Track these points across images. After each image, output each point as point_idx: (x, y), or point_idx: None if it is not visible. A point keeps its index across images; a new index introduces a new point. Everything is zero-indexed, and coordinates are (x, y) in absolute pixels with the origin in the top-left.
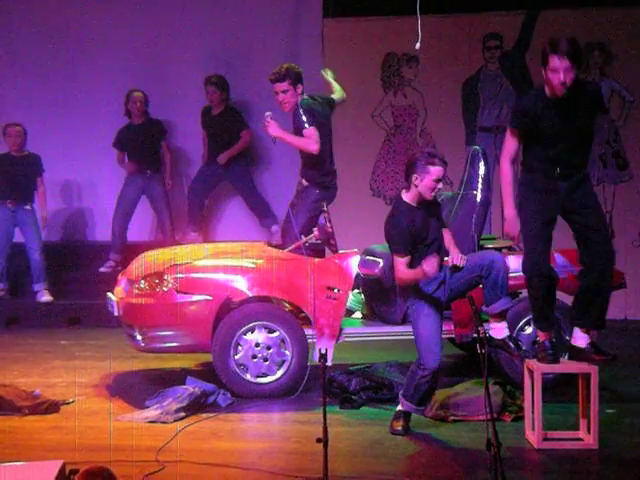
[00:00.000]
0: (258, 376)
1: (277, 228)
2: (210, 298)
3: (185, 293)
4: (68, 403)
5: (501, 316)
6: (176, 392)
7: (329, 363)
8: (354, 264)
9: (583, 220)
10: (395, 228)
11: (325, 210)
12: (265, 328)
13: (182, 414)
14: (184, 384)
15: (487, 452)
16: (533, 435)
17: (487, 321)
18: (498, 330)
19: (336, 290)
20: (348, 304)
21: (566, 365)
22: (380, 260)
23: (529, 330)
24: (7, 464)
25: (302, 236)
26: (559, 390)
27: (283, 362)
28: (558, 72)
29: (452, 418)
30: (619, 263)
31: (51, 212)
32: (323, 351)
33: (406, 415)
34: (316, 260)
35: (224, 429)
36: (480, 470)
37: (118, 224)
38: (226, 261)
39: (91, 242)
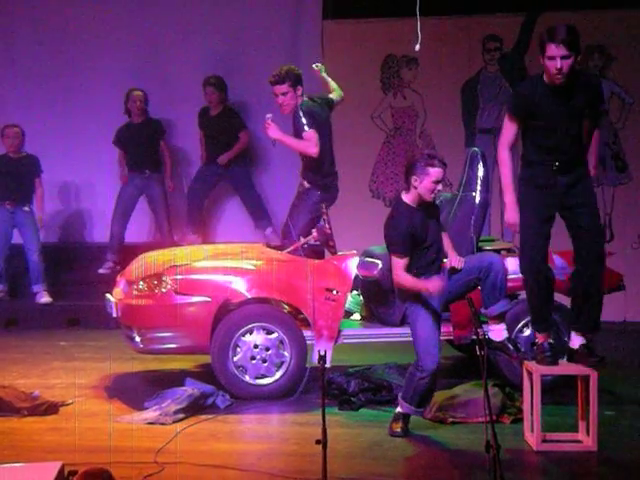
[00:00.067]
0: (257, 377)
1: (271, 230)
2: (209, 299)
3: (184, 294)
4: (67, 404)
5: (500, 318)
6: (175, 393)
7: (328, 365)
8: (353, 266)
9: (576, 219)
10: (395, 229)
11: (324, 211)
12: (263, 329)
13: (181, 415)
14: (183, 385)
15: (486, 454)
16: (532, 437)
17: (486, 323)
18: (497, 332)
19: (335, 292)
20: (347, 306)
21: (565, 367)
22: (379, 262)
23: (528, 332)
24: (6, 465)
25: (301, 237)
26: (558, 392)
27: (282, 363)
28: (555, 60)
29: (451, 420)
30: (618, 265)
31: (50, 213)
32: (322, 353)
33: (405, 417)
34: (315, 262)
35: (223, 430)
36: (479, 472)
37: (117, 224)
38: (225, 262)
39: (90, 243)
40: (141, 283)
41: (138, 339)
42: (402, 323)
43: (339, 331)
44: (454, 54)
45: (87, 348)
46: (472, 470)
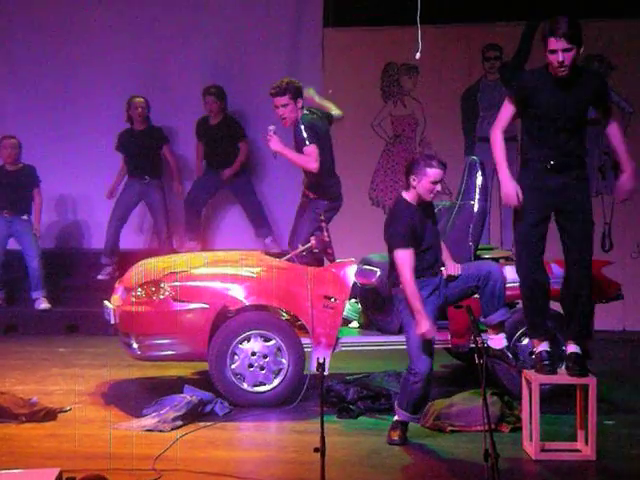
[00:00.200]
0: (255, 385)
1: (271, 239)
2: (207, 306)
3: (182, 301)
4: (65, 411)
5: (499, 327)
6: (173, 400)
7: (326, 372)
8: (351, 273)
9: (568, 225)
10: (397, 223)
11: (322, 219)
12: (261, 337)
13: (179, 423)
14: (181, 392)
15: (485, 463)
16: (531, 446)
17: (485, 331)
18: (496, 341)
19: (333, 299)
20: (345, 313)
21: (564, 376)
22: (377, 269)
23: (526, 341)
24: (4, 472)
25: (299, 245)
26: (557, 401)
27: (280, 371)
28: (556, 53)
29: (450, 428)
30: (617, 274)
31: (49, 220)
32: (321, 360)
33: (403, 425)
34: (313, 269)
35: (221, 438)
36: None
37: (112, 228)
38: (223, 270)
39: (88, 250)
40: (139, 290)
41: (136, 346)
42: (400, 331)
43: (337, 339)
44: (454, 62)
45: (85, 355)
46: (470, 479)
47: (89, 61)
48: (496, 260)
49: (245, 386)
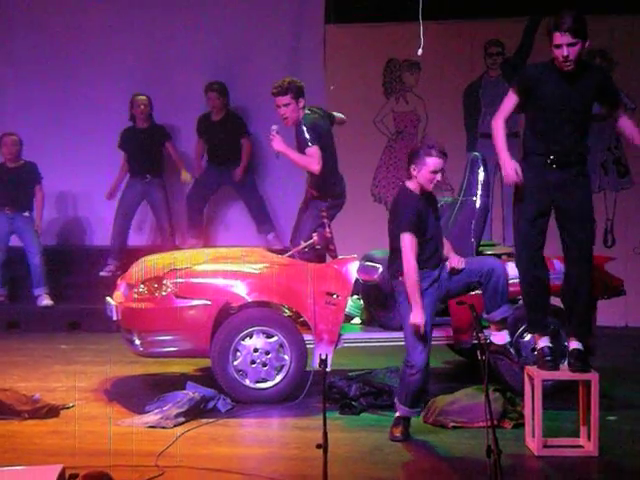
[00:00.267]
0: (257, 381)
1: (273, 235)
2: (209, 303)
3: (184, 298)
4: (68, 407)
5: (502, 323)
6: (176, 397)
7: (328, 369)
8: (353, 270)
9: (569, 223)
10: (402, 209)
11: (324, 215)
12: (264, 333)
13: (182, 419)
14: (184, 389)
15: (487, 459)
16: (533, 442)
17: (487, 328)
18: (499, 337)
19: (335, 296)
20: (347, 310)
21: (566, 372)
22: (379, 266)
23: (529, 337)
24: (7, 468)
25: (302, 242)
26: (559, 397)
27: (282, 367)
28: (561, 48)
29: (452, 425)
30: (619, 270)
31: (50, 216)
32: (323, 356)
33: (405, 421)
34: (315, 265)
35: (224, 434)
36: (480, 477)
37: (118, 228)
38: (225, 266)
39: (90, 246)
40: (141, 286)
41: (138, 342)
42: (402, 327)
43: (339, 335)
44: (456, 59)
45: (88, 351)
46: (473, 475)
47: (90, 59)
48: (498, 256)
49: (247, 382)
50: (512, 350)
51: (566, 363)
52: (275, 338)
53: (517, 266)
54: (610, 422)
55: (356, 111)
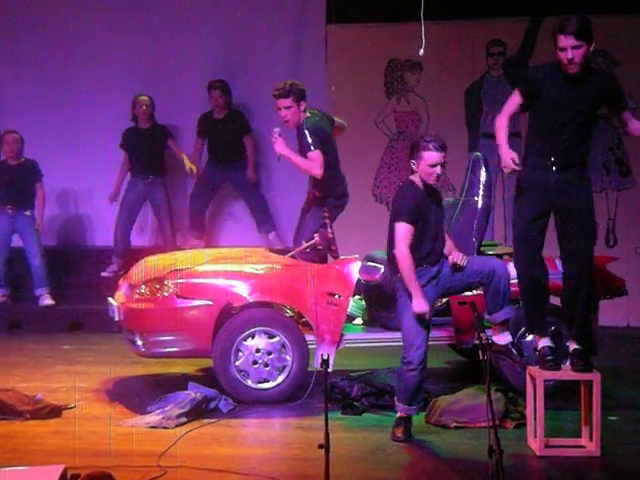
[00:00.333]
0: (259, 382)
1: (274, 235)
2: (210, 303)
3: (185, 298)
4: (70, 408)
5: (504, 325)
6: (178, 397)
7: (330, 369)
8: (355, 270)
9: (569, 226)
10: (402, 200)
11: (326, 216)
12: (265, 334)
13: (183, 419)
14: (186, 389)
15: (489, 459)
16: (535, 442)
17: (489, 328)
18: (500, 337)
19: (337, 296)
20: (349, 310)
21: (568, 372)
22: (381, 266)
23: (531, 337)
24: (9, 469)
25: (303, 242)
26: (561, 397)
27: (284, 367)
28: (566, 50)
29: (454, 425)
30: (621, 270)
31: (51, 217)
32: (325, 357)
33: (407, 421)
34: (317, 266)
35: (225, 435)
36: (482, 477)
37: (120, 228)
38: (227, 266)
39: (91, 247)
40: (143, 287)
41: (140, 343)
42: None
43: (341, 335)
44: (458, 58)
45: (89, 352)
46: (475, 475)
47: (91, 58)
48: (500, 256)
49: (249, 383)
50: (514, 350)
51: (568, 363)
52: (277, 338)
53: (515, 266)
54: (612, 422)
55: (357, 111)
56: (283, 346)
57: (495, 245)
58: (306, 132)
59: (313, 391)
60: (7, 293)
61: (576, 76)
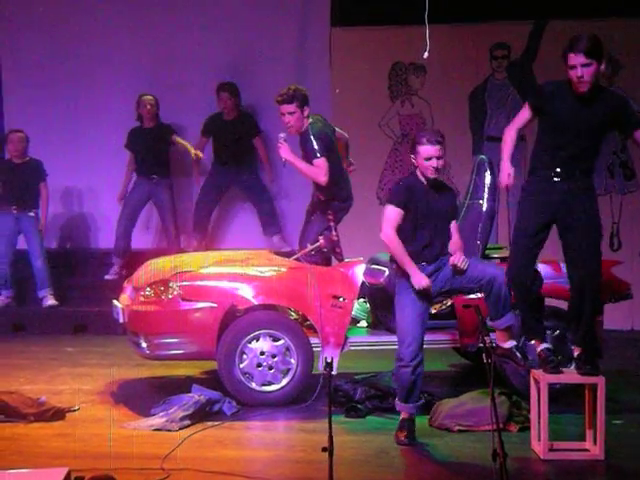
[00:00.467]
0: (263, 384)
1: (279, 238)
2: (215, 305)
3: (190, 300)
4: (74, 410)
5: (507, 331)
6: (182, 400)
7: (334, 372)
8: (360, 273)
9: (569, 238)
10: (397, 185)
11: (330, 218)
12: (270, 336)
13: (187, 422)
14: (190, 392)
15: (493, 463)
16: (539, 445)
17: (493, 331)
18: (504, 340)
19: (342, 299)
20: (353, 313)
21: (572, 375)
22: (385, 269)
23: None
24: (13, 471)
25: (308, 244)
26: (565, 400)
27: (288, 370)
28: (576, 68)
29: (458, 428)
30: (625, 273)
31: (55, 218)
32: (329, 360)
33: (410, 424)
34: (321, 269)
35: (229, 437)
36: None
37: (122, 228)
38: (231, 269)
39: (95, 249)
40: (147, 289)
41: (145, 345)
42: None
43: (346, 338)
44: (462, 61)
45: (94, 354)
46: (479, 479)
47: (94, 58)
48: (504, 259)
49: (253, 385)
50: (518, 353)
51: (573, 367)
52: (281, 341)
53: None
54: (616, 426)
55: (361, 114)
56: (287, 349)
57: (500, 248)
58: (312, 138)
59: (317, 394)
60: (12, 295)
61: (586, 95)
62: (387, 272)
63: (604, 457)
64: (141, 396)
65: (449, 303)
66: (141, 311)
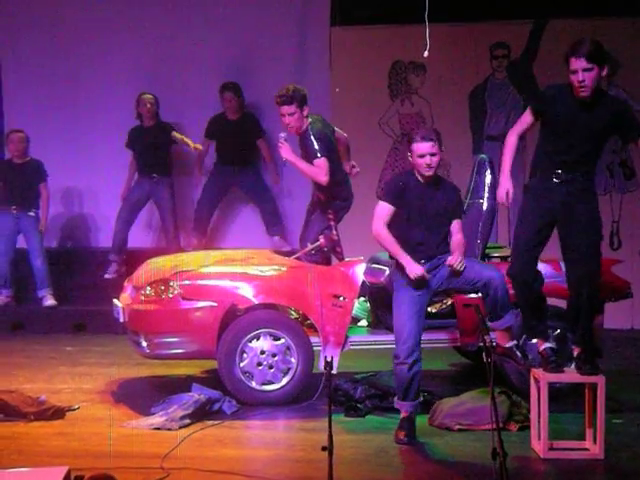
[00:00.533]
0: (263, 384)
1: (279, 238)
2: (215, 304)
3: (190, 300)
4: (73, 409)
5: (507, 331)
6: (181, 399)
7: (334, 371)
8: (360, 272)
9: (568, 240)
10: (390, 181)
11: (331, 218)
12: (270, 335)
13: (187, 421)
14: (190, 391)
15: (493, 462)
16: (539, 445)
17: (494, 331)
18: (505, 339)
19: (342, 298)
20: (354, 312)
21: (572, 374)
22: (386, 268)
23: (535, 339)
24: (12, 470)
25: (308, 244)
26: (565, 400)
27: (288, 370)
28: (577, 73)
29: (458, 427)
30: (625, 272)
31: (55, 218)
32: (329, 359)
33: (410, 424)
34: (322, 268)
35: (229, 436)
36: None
37: (120, 225)
38: (232, 268)
39: (95, 248)
40: (148, 288)
41: (145, 344)
42: None
43: (346, 337)
44: (462, 61)
45: (93, 353)
46: (479, 478)
47: (93, 58)
48: (505, 259)
49: (253, 384)
50: (518, 352)
51: (574, 366)
52: (282, 340)
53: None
54: (616, 425)
55: (361, 113)
56: (288, 348)
57: (500, 247)
58: (312, 138)
59: (319, 393)
60: (11, 294)
61: (587, 100)
62: (387, 271)
63: (604, 456)
64: (141, 395)
65: (449, 302)
66: (141, 310)
